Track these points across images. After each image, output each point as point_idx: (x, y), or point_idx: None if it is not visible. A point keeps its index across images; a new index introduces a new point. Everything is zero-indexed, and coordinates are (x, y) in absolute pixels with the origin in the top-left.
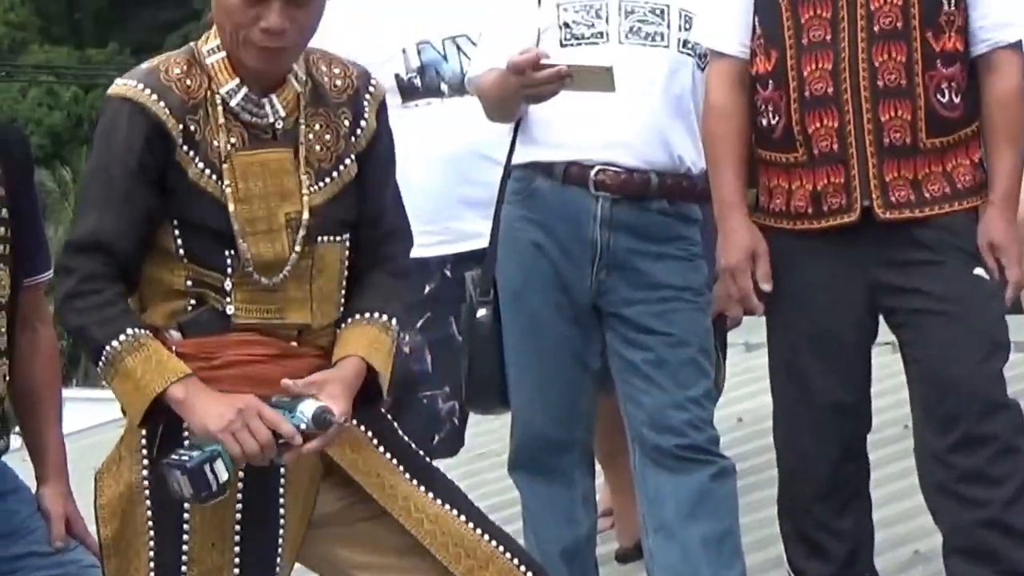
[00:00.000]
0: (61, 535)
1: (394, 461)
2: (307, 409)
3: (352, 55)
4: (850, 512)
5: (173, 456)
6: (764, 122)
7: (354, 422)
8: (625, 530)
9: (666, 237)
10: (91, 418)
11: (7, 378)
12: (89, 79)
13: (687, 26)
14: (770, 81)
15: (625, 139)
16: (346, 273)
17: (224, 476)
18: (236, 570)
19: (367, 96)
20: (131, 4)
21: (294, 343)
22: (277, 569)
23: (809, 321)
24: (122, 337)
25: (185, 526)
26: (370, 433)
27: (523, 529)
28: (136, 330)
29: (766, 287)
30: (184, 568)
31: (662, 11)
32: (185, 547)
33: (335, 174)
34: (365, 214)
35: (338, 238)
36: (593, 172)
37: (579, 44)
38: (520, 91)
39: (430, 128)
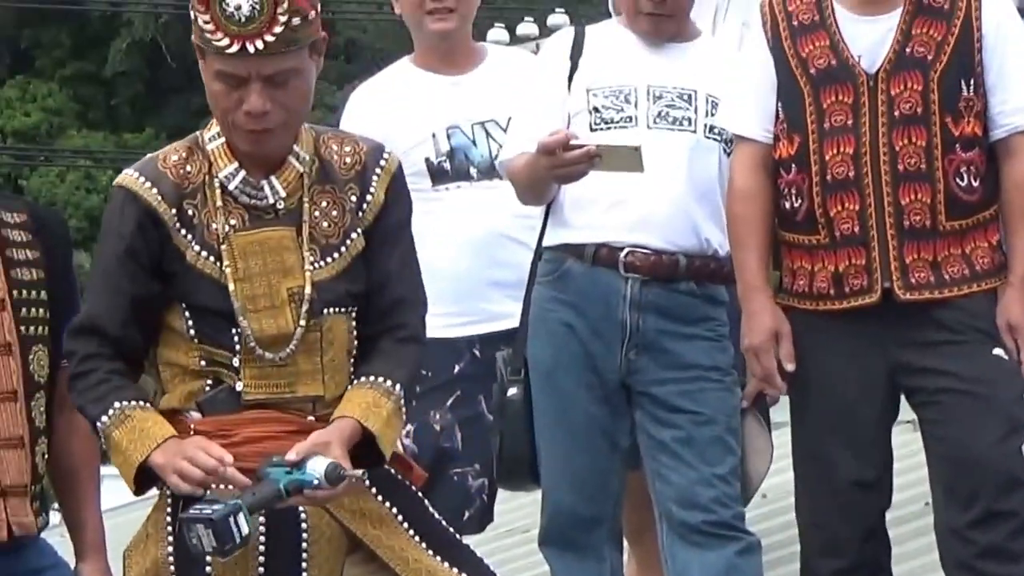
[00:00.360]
0: None
1: (417, 537)
2: (318, 466)
3: (383, 140)
4: None
5: (193, 510)
6: (787, 205)
7: (379, 498)
8: None
9: (694, 318)
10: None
11: (46, 456)
12: (126, 163)
13: (714, 111)
14: (793, 165)
15: (654, 222)
16: (355, 343)
17: (245, 529)
18: None
19: (376, 170)
20: (165, 91)
21: (311, 417)
22: None
23: (831, 400)
24: (110, 412)
25: None
26: (395, 509)
27: None
28: (123, 403)
29: (789, 367)
30: None
31: (689, 96)
32: None
33: (343, 249)
34: (372, 283)
35: (344, 309)
36: (623, 254)
37: (608, 128)
38: (550, 172)
39: (459, 211)
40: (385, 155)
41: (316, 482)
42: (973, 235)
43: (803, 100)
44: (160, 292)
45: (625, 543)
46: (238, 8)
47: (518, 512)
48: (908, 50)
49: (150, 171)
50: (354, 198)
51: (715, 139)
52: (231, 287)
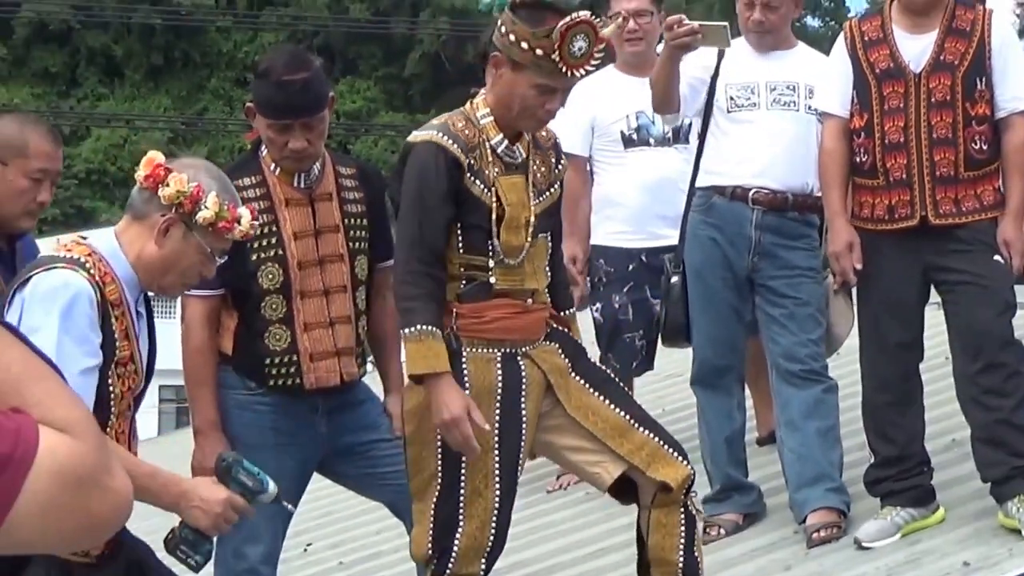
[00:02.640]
0: (399, 428)
1: (581, 380)
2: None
3: (594, 118)
4: (910, 413)
5: (180, 552)
6: (857, 159)
7: (563, 357)
8: (764, 424)
9: (796, 235)
10: None
11: (365, 329)
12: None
13: (810, 95)
14: (862, 132)
15: (772, 171)
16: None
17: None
18: (496, 449)
19: (561, 146)
20: (444, 85)
21: (530, 301)
22: (521, 450)
23: (885, 289)
24: (415, 327)
25: None
26: (568, 361)
27: (698, 422)
28: (422, 326)
29: (858, 266)
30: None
31: (794, 87)
32: None
33: (548, 193)
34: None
35: (546, 234)
36: (751, 193)
37: (740, 110)
38: (670, 45)
39: (640, 166)
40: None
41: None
42: (982, 181)
43: (870, 89)
44: (454, 216)
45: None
46: (580, 49)
47: (676, 363)
48: (942, 57)
49: (449, 133)
50: (552, 160)
51: (812, 114)
52: (505, 211)
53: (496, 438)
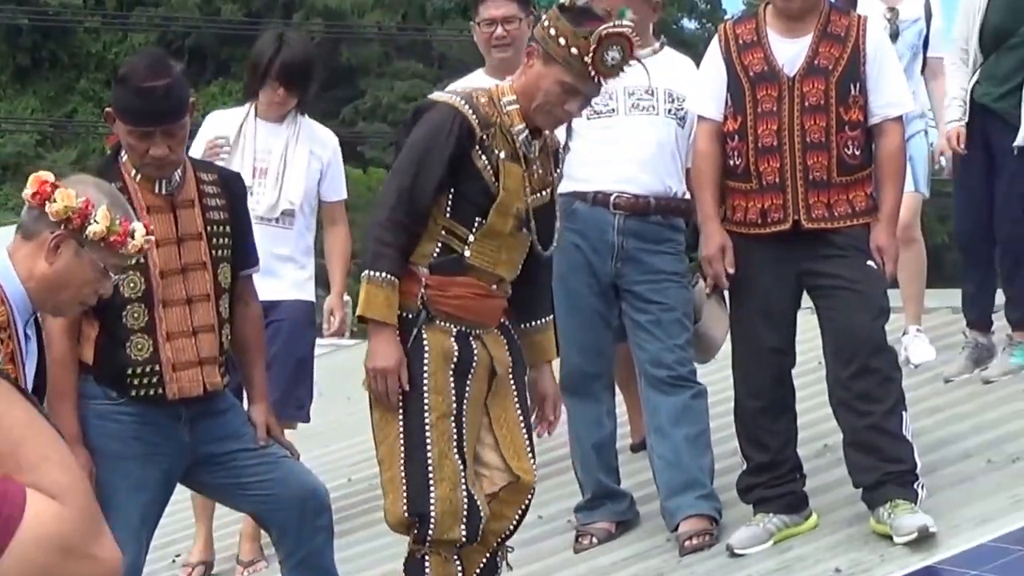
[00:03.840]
0: (263, 437)
1: (514, 387)
2: None
3: None
4: (782, 418)
5: None
6: (731, 162)
7: (509, 353)
8: (637, 430)
9: (661, 239)
10: None
11: (228, 337)
12: None
13: (669, 99)
14: (736, 135)
15: (632, 176)
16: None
17: None
18: (453, 416)
19: (561, 151)
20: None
21: (495, 287)
22: (464, 425)
23: (757, 293)
24: (379, 273)
25: (425, 391)
26: (511, 360)
27: (568, 430)
28: (387, 275)
29: (731, 271)
30: (427, 414)
31: (653, 91)
32: (426, 400)
33: (540, 194)
34: (543, 238)
35: (528, 234)
36: (612, 197)
37: (599, 117)
38: None
39: None
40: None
41: None
42: (854, 186)
43: (744, 92)
44: (447, 180)
45: (617, 391)
46: (613, 59)
47: None
48: (816, 62)
49: (471, 103)
50: (551, 165)
51: (672, 118)
52: (499, 193)
53: (454, 405)
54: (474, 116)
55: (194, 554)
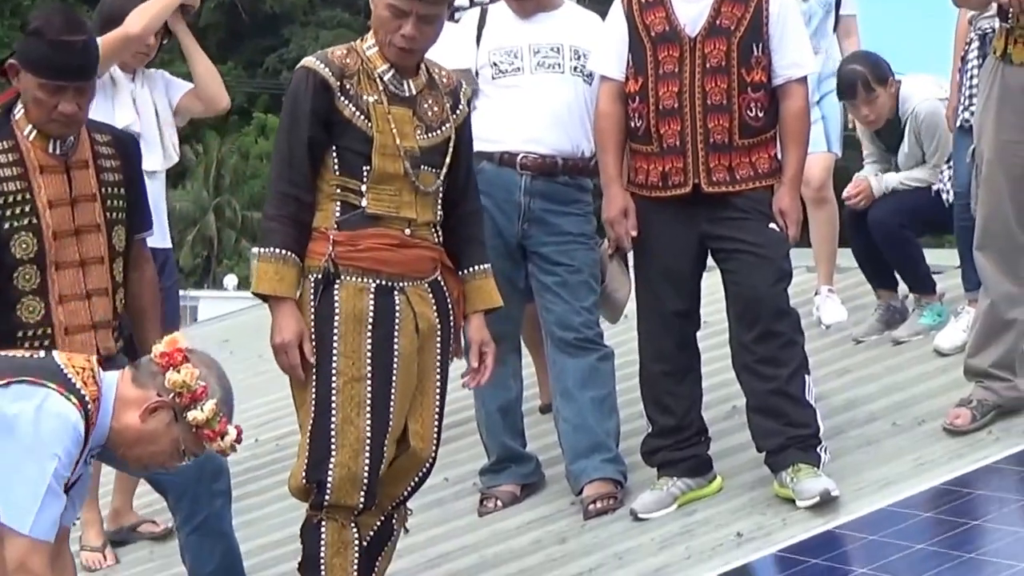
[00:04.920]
0: None
1: (438, 351)
2: None
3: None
4: (687, 382)
5: None
6: (633, 124)
7: (435, 311)
8: (546, 392)
9: (568, 200)
10: (218, 310)
11: (123, 301)
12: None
13: (576, 57)
14: (637, 97)
15: (539, 136)
16: (440, 193)
17: None
18: (368, 379)
19: (462, 91)
20: (246, 32)
21: (407, 231)
22: (393, 383)
23: (660, 257)
24: (270, 249)
25: (334, 356)
26: (438, 321)
27: (474, 394)
28: (279, 250)
29: (633, 233)
30: (334, 379)
31: (558, 49)
32: (334, 364)
33: (438, 131)
34: (457, 169)
35: (433, 169)
36: (519, 158)
37: (504, 76)
38: None
39: None
40: (465, 84)
41: None
42: (757, 149)
43: (645, 53)
44: (326, 138)
45: (526, 353)
46: None
47: None
48: (718, 22)
49: (322, 58)
50: (447, 103)
51: (578, 76)
52: (374, 136)
53: (368, 368)
54: (326, 69)
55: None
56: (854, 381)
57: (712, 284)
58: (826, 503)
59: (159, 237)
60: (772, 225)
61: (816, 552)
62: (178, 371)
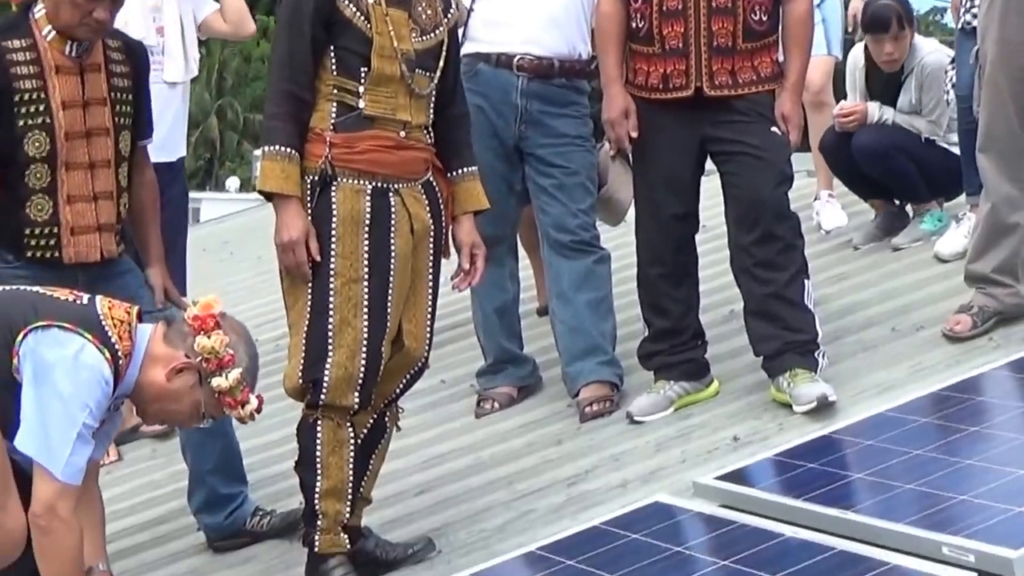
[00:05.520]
0: (161, 299)
1: (431, 252)
2: None
3: None
4: (684, 285)
5: None
6: (635, 25)
7: (428, 212)
8: (543, 294)
9: (564, 102)
10: (220, 211)
11: (126, 206)
12: None
13: None
14: None
15: (536, 37)
16: (433, 96)
17: None
18: (365, 280)
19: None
20: None
21: (402, 134)
22: (391, 283)
23: (660, 160)
24: (274, 147)
25: (332, 257)
26: (431, 222)
27: (471, 296)
28: (283, 148)
29: (634, 134)
30: (332, 280)
31: None
32: (332, 265)
33: (432, 34)
34: (447, 72)
35: (427, 72)
36: (516, 59)
37: None
38: None
39: None
40: None
41: None
42: (760, 53)
43: None
44: (325, 38)
45: (524, 255)
46: None
47: None
48: None
49: None
50: (442, 7)
51: None
52: (373, 38)
53: (365, 269)
54: None
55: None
56: (853, 287)
57: (711, 188)
58: (823, 408)
59: (178, 147)
60: (774, 129)
61: (813, 456)
62: (208, 336)
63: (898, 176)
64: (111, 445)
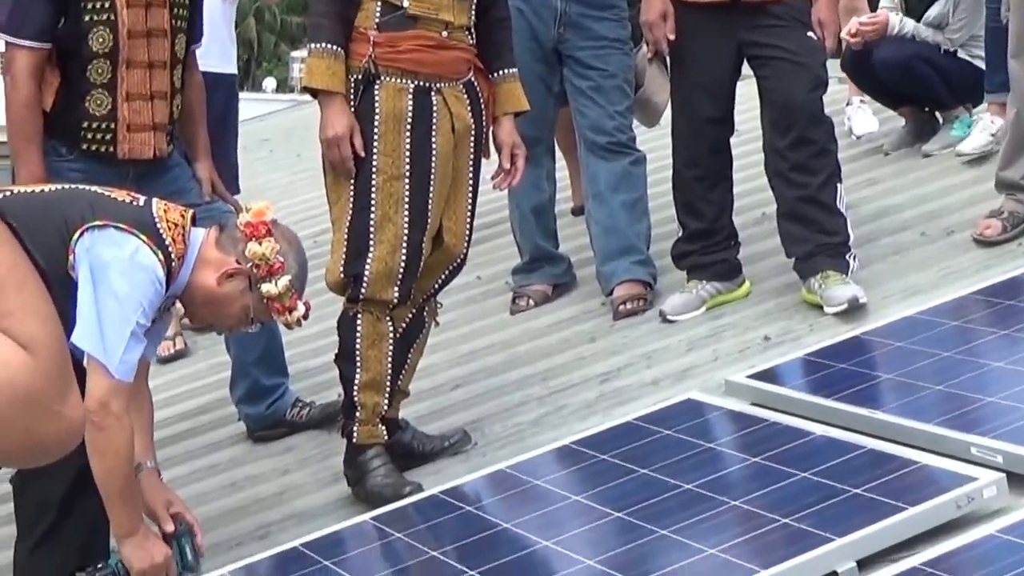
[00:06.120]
0: (208, 192)
1: (472, 150)
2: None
3: None
4: (718, 187)
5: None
6: None
7: (470, 111)
8: (578, 195)
9: (603, 5)
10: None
11: (179, 108)
12: None
13: None
14: None
15: None
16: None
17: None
18: (407, 177)
19: None
20: None
21: (444, 34)
22: (431, 181)
23: (697, 64)
24: (321, 45)
25: (374, 154)
26: (472, 121)
27: (508, 195)
28: (329, 45)
29: (671, 37)
30: (374, 177)
31: None
32: (374, 162)
33: None
34: None
35: None
36: None
37: None
38: None
39: None
40: None
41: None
42: None
43: None
44: None
45: (560, 156)
46: None
47: None
48: None
49: None
50: None
51: None
52: None
53: (407, 166)
54: None
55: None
56: (884, 191)
57: (746, 93)
58: (854, 310)
59: (228, 61)
60: (810, 34)
61: (842, 357)
62: (260, 243)
63: (921, 85)
64: (177, 336)
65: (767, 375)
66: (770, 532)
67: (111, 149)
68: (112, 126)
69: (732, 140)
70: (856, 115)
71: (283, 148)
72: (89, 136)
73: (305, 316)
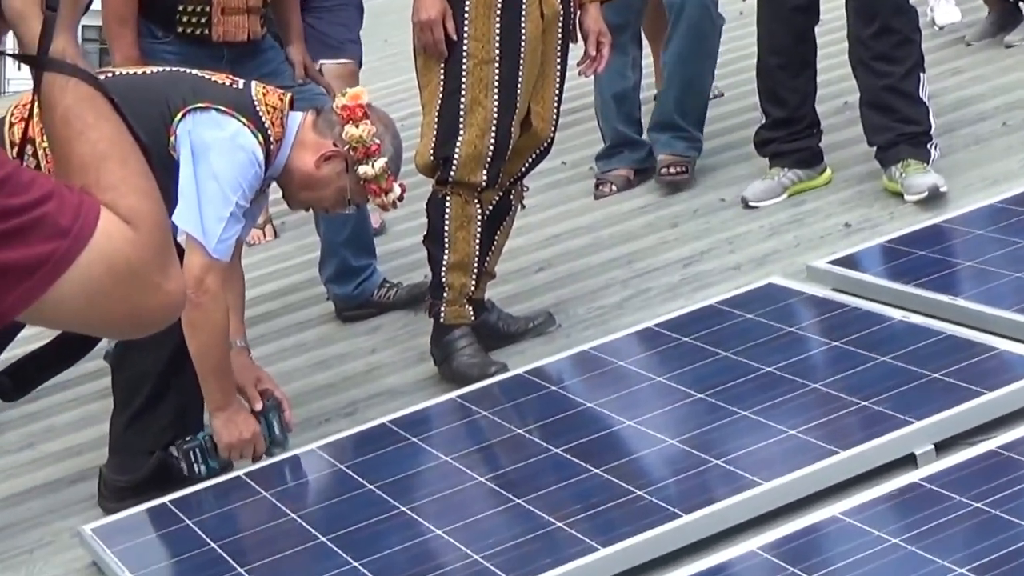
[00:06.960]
0: (301, 75)
1: (560, 35)
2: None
3: None
4: (801, 76)
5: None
6: None
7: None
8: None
9: None
10: None
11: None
12: None
13: None
14: None
15: None
16: None
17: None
18: (496, 62)
19: None
20: None
21: None
22: (521, 67)
23: None
24: None
25: (464, 38)
26: (561, 8)
27: (593, 81)
28: None
29: None
30: (464, 61)
31: None
32: (465, 46)
33: None
34: None
35: None
36: None
37: None
38: None
39: None
40: None
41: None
42: None
43: None
44: None
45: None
46: None
47: None
48: None
49: None
50: None
51: None
52: None
53: (497, 50)
54: None
55: None
56: (965, 81)
57: None
58: (934, 198)
59: None
60: None
61: (922, 244)
62: (356, 126)
63: None
64: (268, 225)
65: (848, 261)
66: (849, 415)
67: (206, 31)
68: (207, 8)
69: (816, 28)
70: (939, 5)
71: (370, 32)
72: (184, 19)
73: (400, 198)
